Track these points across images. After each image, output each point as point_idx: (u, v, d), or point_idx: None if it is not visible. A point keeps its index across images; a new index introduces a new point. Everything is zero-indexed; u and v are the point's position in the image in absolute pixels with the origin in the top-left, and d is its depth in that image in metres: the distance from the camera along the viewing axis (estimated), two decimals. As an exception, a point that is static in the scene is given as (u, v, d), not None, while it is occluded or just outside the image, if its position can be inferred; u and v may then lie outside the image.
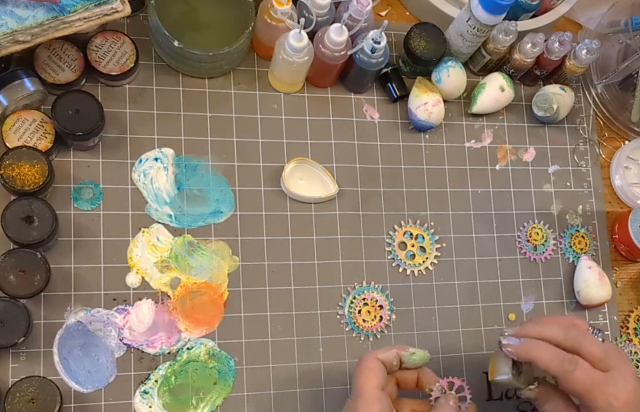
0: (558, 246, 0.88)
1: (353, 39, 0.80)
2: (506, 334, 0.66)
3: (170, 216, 0.76)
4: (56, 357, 0.70)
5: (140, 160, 0.76)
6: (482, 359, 0.81)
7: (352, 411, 0.63)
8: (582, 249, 0.88)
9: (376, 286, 0.80)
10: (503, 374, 0.66)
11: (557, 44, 0.84)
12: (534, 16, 0.88)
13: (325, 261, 0.79)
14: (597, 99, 0.94)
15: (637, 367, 0.85)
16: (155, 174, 0.76)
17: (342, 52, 0.78)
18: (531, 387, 0.66)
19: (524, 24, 0.86)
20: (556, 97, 0.88)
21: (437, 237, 0.83)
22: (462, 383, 0.65)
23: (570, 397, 0.67)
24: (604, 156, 0.93)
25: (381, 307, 0.79)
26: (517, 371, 0.66)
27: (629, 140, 0.94)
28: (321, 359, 0.77)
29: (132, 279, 0.73)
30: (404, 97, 0.85)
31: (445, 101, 0.86)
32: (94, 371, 0.70)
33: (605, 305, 0.87)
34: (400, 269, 0.82)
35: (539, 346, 0.64)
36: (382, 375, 0.65)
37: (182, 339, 0.73)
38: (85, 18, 0.68)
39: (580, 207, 0.90)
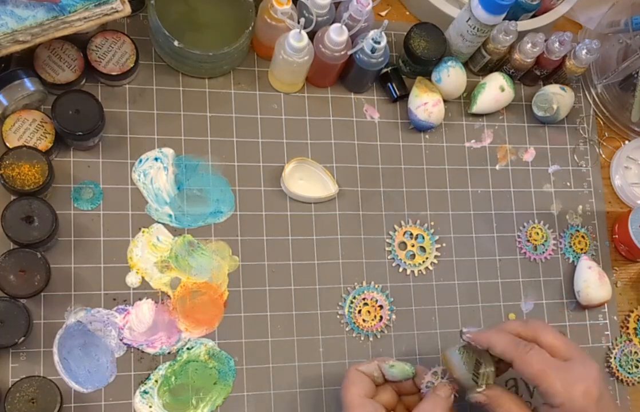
0: (558, 246, 0.88)
1: (353, 39, 0.80)
2: (464, 328, 0.67)
3: (170, 215, 0.76)
4: (56, 357, 0.70)
5: (140, 160, 0.76)
6: (482, 359, 0.81)
7: None
8: (582, 249, 0.88)
9: (376, 285, 0.80)
10: (452, 349, 0.66)
11: (557, 44, 0.84)
12: (534, 16, 0.88)
13: (325, 261, 0.79)
14: (597, 99, 0.94)
15: (637, 367, 0.85)
16: (155, 174, 0.76)
17: (342, 52, 0.78)
18: (479, 389, 0.64)
19: (524, 24, 0.86)
20: (556, 97, 0.88)
21: (437, 237, 0.83)
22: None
23: (525, 400, 0.66)
24: (604, 156, 0.93)
25: (381, 307, 0.79)
26: (470, 367, 0.65)
27: (629, 140, 0.94)
28: (321, 359, 0.77)
29: (132, 279, 0.73)
30: (404, 97, 0.85)
31: (445, 101, 0.86)
32: (94, 371, 0.70)
33: (605, 305, 0.87)
34: (400, 269, 0.82)
35: (497, 332, 0.65)
36: (364, 384, 0.66)
37: (182, 339, 0.73)
38: (85, 18, 0.68)
39: (580, 207, 0.90)
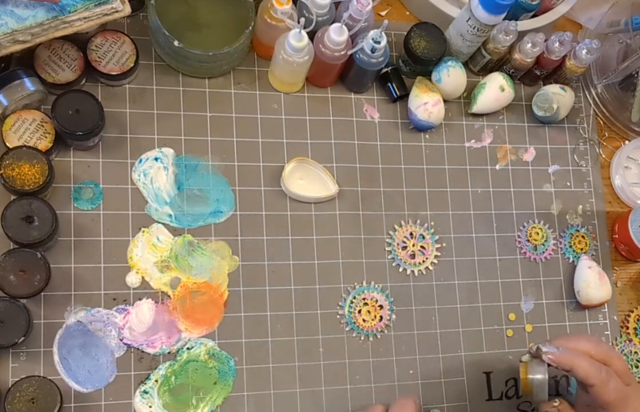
0: (558, 245, 0.88)
1: (353, 39, 0.80)
2: (542, 347, 0.68)
3: (170, 215, 0.76)
4: (56, 357, 0.70)
5: (140, 160, 0.76)
6: (482, 359, 0.81)
7: None
8: (582, 249, 0.88)
9: (376, 285, 0.80)
10: (538, 373, 0.68)
11: (557, 44, 0.84)
12: (534, 16, 0.88)
13: (325, 261, 0.79)
14: (597, 99, 0.94)
15: (638, 367, 0.85)
16: (155, 173, 0.76)
17: (342, 52, 0.78)
18: (555, 403, 0.69)
19: (524, 24, 0.86)
20: (556, 97, 0.88)
21: (437, 237, 0.83)
22: None
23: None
24: (604, 156, 0.93)
25: (381, 307, 0.79)
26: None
27: (629, 140, 0.94)
28: (321, 359, 0.77)
29: (132, 279, 0.73)
30: (404, 97, 0.85)
31: (445, 101, 0.86)
32: (94, 370, 0.70)
33: (605, 305, 0.87)
34: (400, 269, 0.82)
35: (578, 355, 0.67)
36: None
37: (182, 339, 0.73)
38: (85, 18, 0.68)
39: (580, 207, 0.90)
